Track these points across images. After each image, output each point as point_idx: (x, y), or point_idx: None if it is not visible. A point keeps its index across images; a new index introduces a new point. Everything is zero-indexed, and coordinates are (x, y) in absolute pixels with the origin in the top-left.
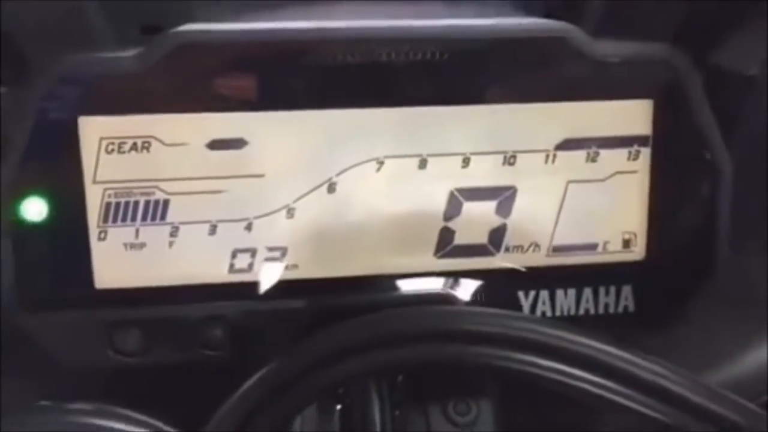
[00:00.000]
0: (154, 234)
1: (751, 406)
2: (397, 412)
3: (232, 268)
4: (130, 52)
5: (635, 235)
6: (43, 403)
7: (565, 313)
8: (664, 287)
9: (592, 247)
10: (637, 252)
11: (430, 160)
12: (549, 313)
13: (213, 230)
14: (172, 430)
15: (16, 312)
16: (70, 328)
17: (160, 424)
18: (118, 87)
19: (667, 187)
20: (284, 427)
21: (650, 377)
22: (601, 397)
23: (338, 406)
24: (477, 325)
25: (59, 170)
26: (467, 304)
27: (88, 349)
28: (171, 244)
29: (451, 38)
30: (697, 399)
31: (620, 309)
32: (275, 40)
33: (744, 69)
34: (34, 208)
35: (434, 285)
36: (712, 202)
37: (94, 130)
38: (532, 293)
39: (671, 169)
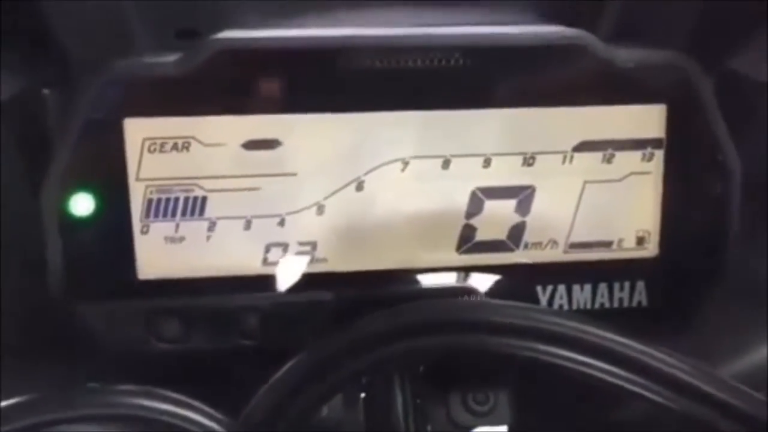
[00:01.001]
0: (192, 228)
1: (761, 396)
2: (418, 401)
3: (265, 262)
4: (172, 58)
5: (649, 233)
6: (91, 385)
7: (581, 307)
8: (676, 283)
9: (607, 244)
10: (651, 249)
11: (453, 161)
12: (566, 307)
13: (248, 225)
14: (214, 411)
15: (64, 300)
16: (114, 316)
17: (202, 406)
18: (160, 90)
19: (680, 187)
20: (317, 411)
21: (665, 368)
22: (616, 386)
23: (362, 395)
24: (505, 317)
25: (105, 168)
26: (487, 297)
27: (132, 336)
28: (208, 238)
29: (474, 45)
30: (709, 390)
31: (634, 303)
32: (308, 46)
33: (756, 75)
34: (82, 204)
35: (456, 279)
36: (722, 203)
37: (138, 131)
38: (550, 288)
39: (684, 170)
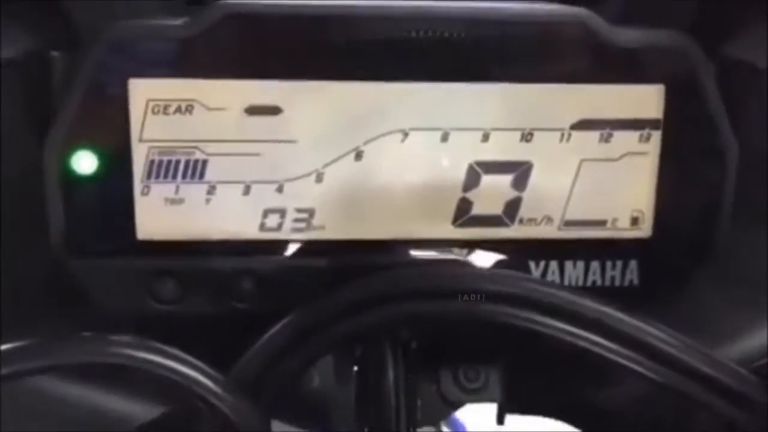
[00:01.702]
0: (192, 191)
1: (748, 373)
2: (409, 376)
3: (262, 227)
4: (178, 21)
5: (643, 213)
6: (85, 333)
7: (573, 284)
8: (668, 264)
9: (601, 222)
10: (644, 229)
11: (452, 134)
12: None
13: (247, 190)
14: (207, 366)
15: (65, 258)
16: (112, 275)
17: (197, 361)
18: (166, 53)
19: (676, 169)
20: (305, 371)
21: (656, 342)
22: (604, 358)
23: (355, 368)
24: (498, 285)
25: (108, 128)
26: None
27: (128, 295)
28: (208, 201)
29: (477, 19)
30: (698, 365)
31: (626, 283)
32: (313, 14)
33: (755, 61)
34: (85, 162)
35: (450, 251)
36: (717, 185)
37: (142, 92)
38: (543, 264)
39: (680, 152)
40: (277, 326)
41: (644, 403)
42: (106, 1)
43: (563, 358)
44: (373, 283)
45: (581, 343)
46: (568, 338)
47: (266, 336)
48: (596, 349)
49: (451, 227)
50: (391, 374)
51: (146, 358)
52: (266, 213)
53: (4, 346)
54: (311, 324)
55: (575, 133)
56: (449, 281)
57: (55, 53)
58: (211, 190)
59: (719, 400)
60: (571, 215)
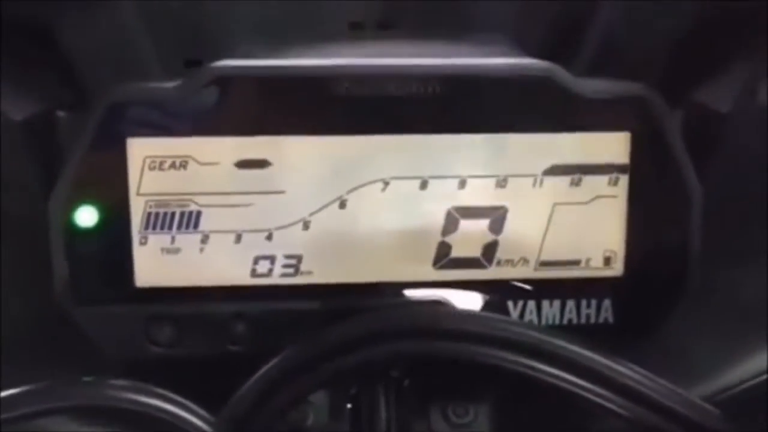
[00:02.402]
0: (187, 241)
1: (713, 408)
2: (401, 413)
3: (254, 273)
4: (172, 83)
5: (615, 253)
6: (85, 378)
7: (550, 323)
8: (641, 301)
9: (575, 263)
10: (617, 268)
11: (431, 182)
12: (535, 322)
13: (238, 239)
14: (198, 408)
15: (68, 305)
16: (112, 320)
17: (188, 403)
18: (161, 114)
19: (644, 210)
20: (293, 409)
21: (625, 380)
22: (577, 396)
23: (348, 405)
24: (476, 326)
25: (108, 184)
26: None
27: (127, 340)
28: (202, 249)
29: (452, 75)
30: (666, 402)
31: (601, 320)
32: (297, 74)
33: (716, 107)
34: (86, 216)
35: (432, 293)
36: (684, 225)
37: (140, 150)
38: (520, 303)
39: (647, 194)
40: (265, 367)
41: None
42: (110, 64)
43: (550, 392)
44: (357, 324)
45: (555, 382)
46: (537, 375)
47: (255, 377)
48: (566, 386)
49: (431, 269)
50: (383, 411)
51: (141, 400)
52: (257, 260)
53: (6, 391)
54: (298, 364)
55: (547, 179)
56: (429, 322)
57: (61, 113)
58: (205, 239)
59: None
60: (546, 256)
